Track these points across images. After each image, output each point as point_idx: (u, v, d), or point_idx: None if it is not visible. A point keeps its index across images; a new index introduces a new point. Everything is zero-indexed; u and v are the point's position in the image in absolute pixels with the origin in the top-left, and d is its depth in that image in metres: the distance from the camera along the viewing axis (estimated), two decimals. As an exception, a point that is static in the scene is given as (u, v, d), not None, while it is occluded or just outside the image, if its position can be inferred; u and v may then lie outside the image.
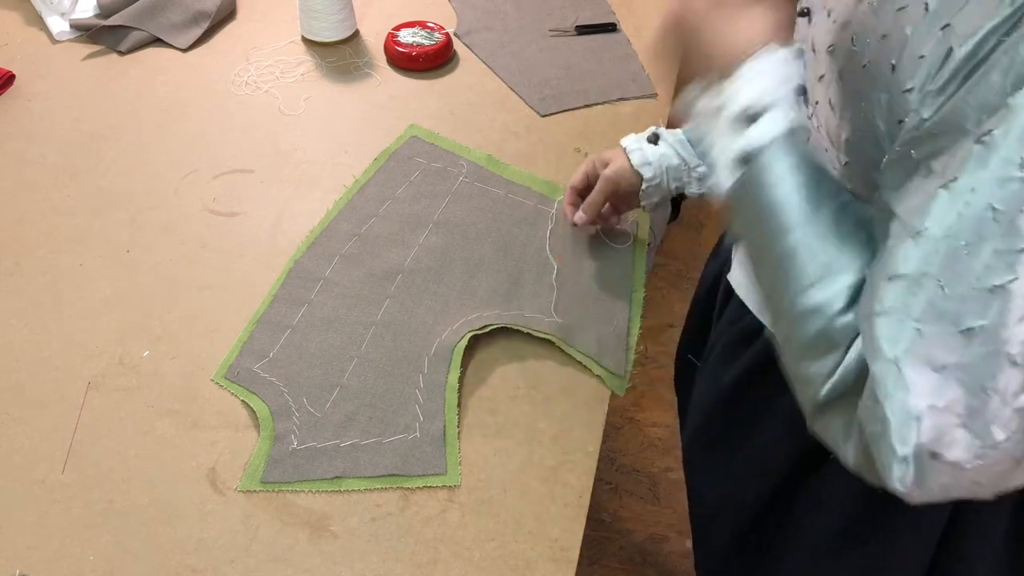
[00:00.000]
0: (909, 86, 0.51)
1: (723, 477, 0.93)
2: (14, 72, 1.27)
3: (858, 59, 0.58)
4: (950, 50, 0.48)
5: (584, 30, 1.41)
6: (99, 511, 0.79)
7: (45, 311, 0.96)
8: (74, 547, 0.77)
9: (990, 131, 0.47)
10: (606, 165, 0.97)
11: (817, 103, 0.66)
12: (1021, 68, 0.45)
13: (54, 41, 1.35)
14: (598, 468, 0.85)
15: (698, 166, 0.94)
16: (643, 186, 0.95)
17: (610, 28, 1.42)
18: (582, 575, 1.59)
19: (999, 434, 0.49)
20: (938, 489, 0.52)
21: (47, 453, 0.83)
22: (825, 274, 0.55)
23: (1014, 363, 0.48)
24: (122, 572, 0.75)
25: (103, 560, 0.76)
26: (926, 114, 0.50)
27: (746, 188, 0.57)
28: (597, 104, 1.28)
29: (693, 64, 0.60)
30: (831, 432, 0.57)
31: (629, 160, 0.94)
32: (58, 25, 1.36)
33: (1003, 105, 0.46)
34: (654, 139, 0.95)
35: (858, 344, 0.54)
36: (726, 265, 0.91)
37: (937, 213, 0.49)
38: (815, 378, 0.56)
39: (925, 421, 0.50)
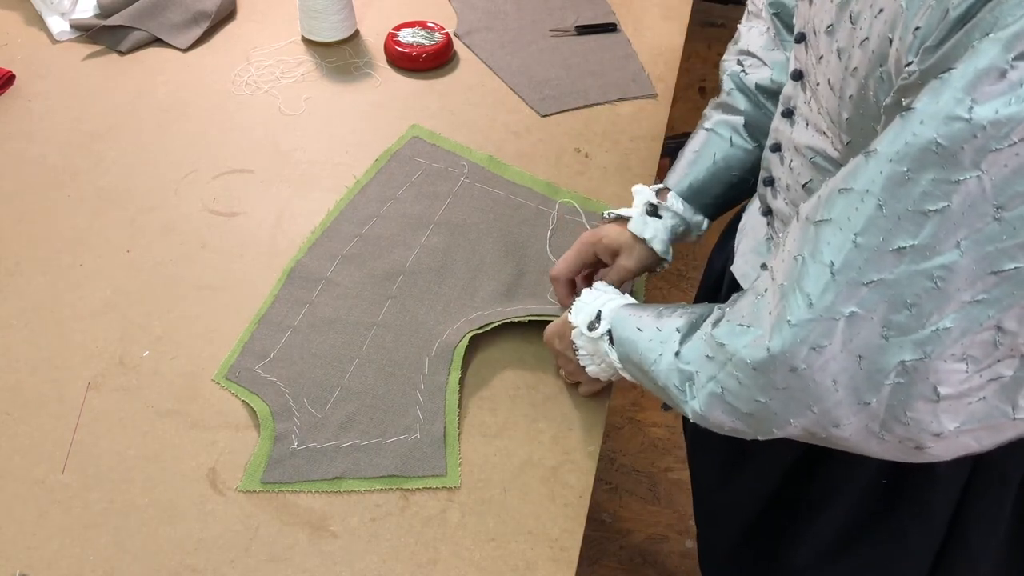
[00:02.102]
0: (909, 59, 0.52)
1: (728, 473, 0.93)
2: (14, 72, 1.27)
3: (857, 36, 0.59)
4: (946, 12, 0.50)
5: (584, 30, 1.41)
6: (99, 511, 0.79)
7: (45, 311, 0.96)
8: (74, 547, 0.77)
9: (950, 68, 0.49)
10: (612, 253, 0.91)
11: (818, 85, 0.67)
12: (1000, 24, 0.47)
13: (54, 41, 1.35)
14: (598, 468, 0.85)
15: (703, 222, 0.92)
16: (664, 265, 0.93)
17: (610, 28, 1.42)
18: (582, 575, 1.59)
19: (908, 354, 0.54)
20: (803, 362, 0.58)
21: (47, 453, 0.83)
22: (657, 344, 0.71)
23: (936, 285, 0.52)
24: (122, 572, 0.75)
25: (103, 560, 0.76)
26: (922, 66, 0.52)
27: (618, 345, 0.77)
28: (597, 104, 1.28)
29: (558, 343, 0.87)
30: (713, 416, 0.67)
31: (652, 248, 0.89)
32: (58, 25, 1.36)
33: (969, 47, 0.48)
34: (653, 210, 0.90)
35: (695, 356, 0.67)
36: (729, 259, 0.91)
37: (888, 137, 0.52)
38: (688, 400, 0.68)
39: (841, 323, 0.55)
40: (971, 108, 0.47)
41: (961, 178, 0.49)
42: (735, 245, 0.91)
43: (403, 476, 0.82)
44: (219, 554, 0.76)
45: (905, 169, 0.51)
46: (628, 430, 1.87)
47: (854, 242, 0.54)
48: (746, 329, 0.62)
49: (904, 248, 0.52)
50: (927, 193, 0.50)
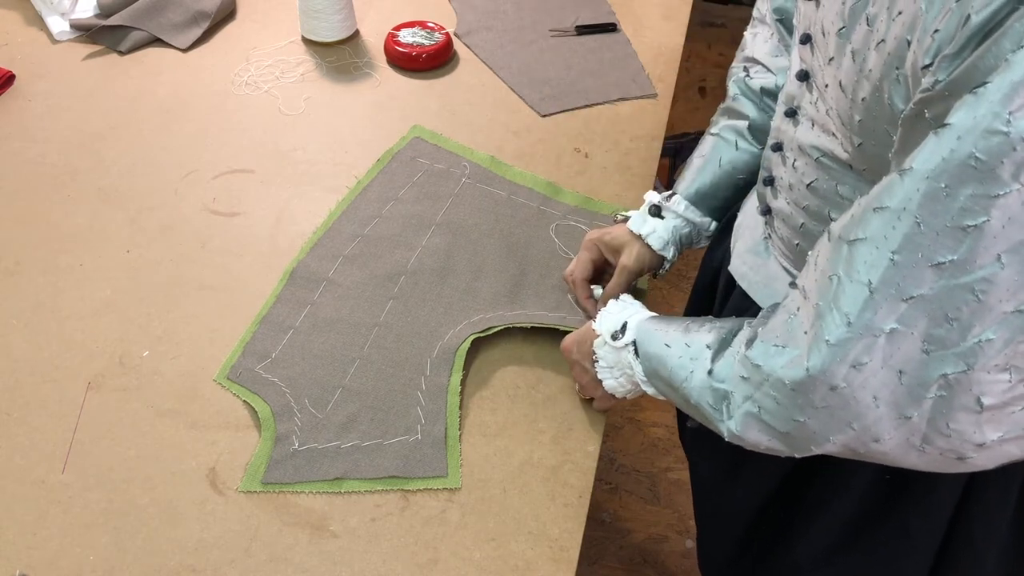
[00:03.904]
0: (926, 62, 0.52)
1: (729, 476, 0.93)
2: (14, 72, 1.27)
3: (874, 38, 0.58)
4: (967, 17, 0.49)
5: (584, 30, 1.41)
6: (99, 511, 0.79)
7: (45, 311, 0.96)
8: (74, 547, 0.77)
9: (985, 83, 0.48)
10: (614, 251, 0.94)
11: (827, 86, 0.66)
12: None
13: (54, 41, 1.35)
14: (598, 468, 0.85)
15: (710, 224, 0.94)
16: (666, 265, 0.95)
17: (610, 28, 1.42)
18: (582, 575, 1.59)
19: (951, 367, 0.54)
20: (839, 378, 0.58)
21: (47, 453, 0.83)
22: (688, 362, 0.70)
23: (977, 298, 0.51)
24: (122, 572, 0.75)
25: (103, 560, 0.76)
26: (941, 76, 0.51)
27: (644, 360, 0.77)
28: (597, 104, 1.28)
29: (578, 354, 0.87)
30: (748, 434, 0.66)
31: (648, 245, 0.92)
32: (58, 25, 1.36)
33: (1003, 60, 0.48)
34: (656, 211, 0.93)
35: (731, 380, 0.66)
36: (725, 257, 0.91)
37: (924, 155, 0.52)
38: (724, 419, 0.67)
39: (881, 340, 0.55)
40: (1009, 122, 0.47)
41: (1000, 192, 0.48)
42: (731, 244, 0.91)
43: (404, 477, 0.82)
44: (219, 554, 0.76)
45: (943, 185, 0.50)
46: (628, 430, 1.87)
47: (892, 260, 0.54)
48: (781, 349, 0.62)
49: (944, 263, 0.52)
50: (966, 209, 0.50)
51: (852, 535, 0.82)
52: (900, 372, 0.55)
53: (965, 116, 0.49)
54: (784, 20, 0.89)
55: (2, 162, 1.14)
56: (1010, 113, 0.47)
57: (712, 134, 0.93)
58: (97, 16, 1.36)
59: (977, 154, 0.49)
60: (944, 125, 0.51)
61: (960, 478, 0.73)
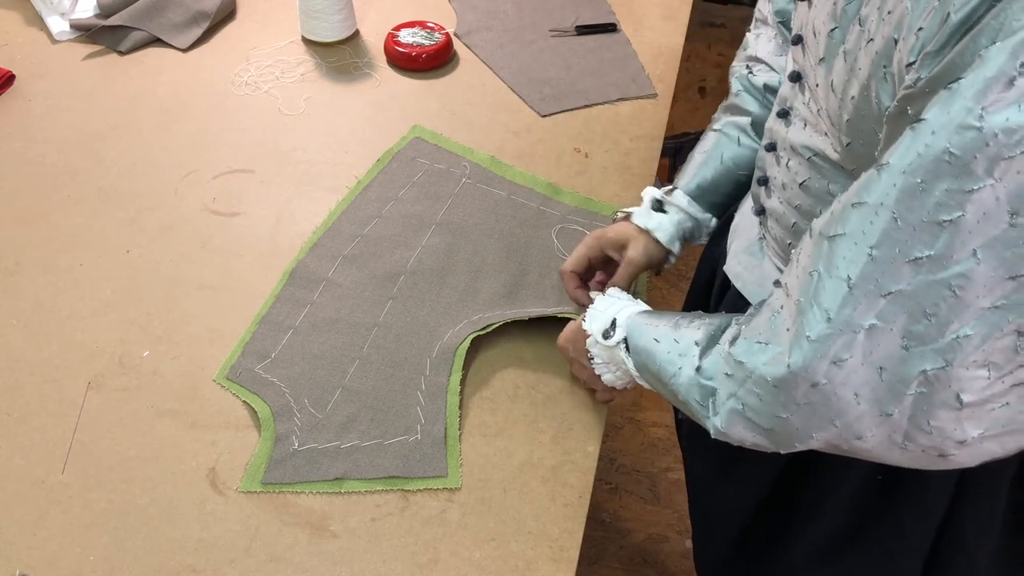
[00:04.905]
0: (910, 60, 0.53)
1: (724, 476, 0.93)
2: (14, 72, 1.27)
3: (864, 38, 0.59)
4: (947, 15, 0.50)
5: (584, 30, 1.41)
6: (99, 511, 0.79)
7: (45, 311, 0.96)
8: (74, 547, 0.77)
9: (959, 78, 0.49)
10: (618, 246, 0.93)
11: (818, 86, 0.67)
12: (1006, 30, 0.47)
13: (54, 41, 1.35)
14: (598, 468, 0.85)
15: (710, 220, 0.94)
16: (671, 259, 0.94)
17: (610, 28, 1.42)
18: (582, 575, 1.59)
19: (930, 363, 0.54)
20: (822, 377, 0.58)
21: (47, 453, 0.83)
22: (676, 357, 0.71)
23: (954, 293, 0.51)
24: (122, 572, 0.75)
25: (103, 560, 0.76)
26: (923, 73, 0.52)
27: (634, 354, 0.78)
28: (597, 104, 1.28)
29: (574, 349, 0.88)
30: (733, 431, 0.66)
31: (656, 239, 0.92)
32: (58, 25, 1.36)
33: (977, 55, 0.48)
34: (659, 206, 0.93)
35: (719, 371, 0.66)
36: (721, 258, 0.91)
37: (900, 150, 0.52)
38: (710, 416, 0.68)
39: (860, 336, 0.55)
40: (982, 117, 0.47)
41: (975, 187, 0.49)
42: (727, 244, 0.91)
43: (404, 477, 0.82)
44: (219, 554, 0.76)
45: (919, 180, 0.51)
46: (628, 430, 1.87)
47: (870, 255, 0.54)
48: (764, 347, 0.62)
49: (921, 259, 0.52)
50: (941, 203, 0.50)
51: (848, 535, 0.82)
52: (880, 368, 0.56)
53: (939, 112, 0.49)
54: (785, 22, 0.89)
55: (2, 162, 1.14)
56: (983, 108, 0.47)
57: (714, 130, 0.94)
58: (97, 16, 1.36)
59: (951, 149, 0.49)
60: (920, 120, 0.51)
61: (951, 477, 0.74)
